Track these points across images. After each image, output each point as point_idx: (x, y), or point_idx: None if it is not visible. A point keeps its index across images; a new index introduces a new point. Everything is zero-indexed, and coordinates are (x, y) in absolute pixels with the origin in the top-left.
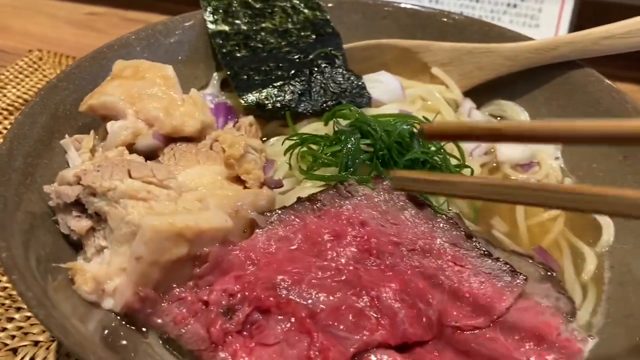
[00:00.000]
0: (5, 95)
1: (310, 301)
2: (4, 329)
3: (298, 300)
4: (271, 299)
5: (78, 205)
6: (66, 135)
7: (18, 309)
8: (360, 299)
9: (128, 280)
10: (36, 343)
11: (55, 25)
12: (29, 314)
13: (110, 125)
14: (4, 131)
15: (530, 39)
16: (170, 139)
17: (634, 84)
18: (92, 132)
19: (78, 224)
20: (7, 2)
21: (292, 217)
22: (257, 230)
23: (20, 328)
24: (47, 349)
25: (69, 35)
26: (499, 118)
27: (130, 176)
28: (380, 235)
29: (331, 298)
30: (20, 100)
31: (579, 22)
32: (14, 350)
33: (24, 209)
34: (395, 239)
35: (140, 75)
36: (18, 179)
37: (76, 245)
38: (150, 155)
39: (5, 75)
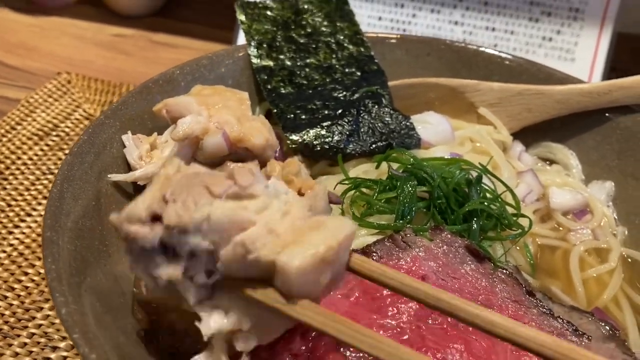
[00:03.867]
0: (34, 120)
1: None
2: None
3: None
4: None
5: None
6: (129, 131)
7: (54, 349)
8: None
9: None
10: None
11: (82, 46)
12: (65, 353)
13: (181, 119)
14: (34, 157)
15: (579, 81)
16: (234, 148)
17: None
18: (155, 133)
19: (168, 271)
20: (35, 22)
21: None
22: None
23: None
24: None
25: (96, 57)
26: (547, 162)
27: (211, 194)
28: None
29: None
30: (50, 125)
31: (617, 56)
32: None
33: (76, 256)
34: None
35: (217, 92)
36: (69, 225)
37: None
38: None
39: (35, 99)
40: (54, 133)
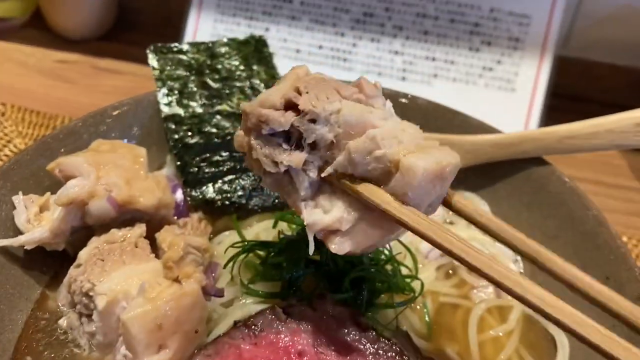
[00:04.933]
0: None
1: None
2: None
3: None
4: None
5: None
6: (20, 192)
7: None
8: None
9: None
10: None
11: (24, 73)
12: None
13: (68, 182)
14: None
15: (493, 130)
16: (123, 210)
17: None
18: (48, 193)
19: (291, 158)
20: None
21: (228, 345)
22: None
23: None
24: None
25: (37, 86)
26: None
27: (340, 94)
28: None
29: None
30: None
31: (560, 79)
32: None
33: None
34: None
35: (114, 149)
36: None
37: None
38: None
39: None
40: None
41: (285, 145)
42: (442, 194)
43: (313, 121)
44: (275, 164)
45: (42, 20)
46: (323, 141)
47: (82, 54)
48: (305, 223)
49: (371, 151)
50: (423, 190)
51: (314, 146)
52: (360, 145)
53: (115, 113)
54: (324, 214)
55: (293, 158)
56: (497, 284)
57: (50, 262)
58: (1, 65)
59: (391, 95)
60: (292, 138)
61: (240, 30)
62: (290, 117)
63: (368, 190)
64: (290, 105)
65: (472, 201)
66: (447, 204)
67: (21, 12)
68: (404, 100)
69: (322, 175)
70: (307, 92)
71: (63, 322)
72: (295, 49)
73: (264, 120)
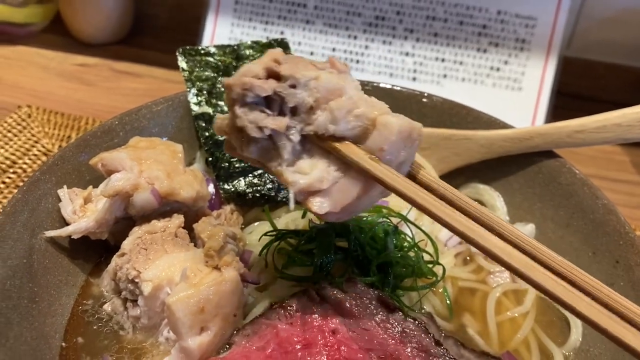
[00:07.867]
0: None
1: None
2: None
3: None
4: None
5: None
6: (64, 186)
7: None
8: None
9: None
10: None
11: (46, 77)
12: None
13: (112, 175)
14: None
15: (504, 125)
16: (165, 201)
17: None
18: (90, 186)
19: (275, 122)
20: (0, 52)
21: (265, 326)
22: (235, 339)
23: None
24: None
25: (58, 89)
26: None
27: (316, 67)
28: (351, 343)
29: None
30: (8, 162)
31: (565, 79)
32: None
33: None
34: (366, 346)
35: (152, 146)
36: None
37: None
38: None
39: None
40: (12, 170)
41: (268, 112)
42: (409, 159)
43: (293, 87)
44: (260, 129)
45: (62, 25)
46: (303, 105)
47: (101, 57)
48: (289, 181)
49: (351, 110)
50: (396, 147)
51: (294, 112)
52: (341, 104)
53: (149, 112)
54: (305, 177)
55: (277, 122)
56: (456, 231)
57: (92, 252)
58: (24, 68)
59: (411, 95)
60: (273, 106)
61: (256, 33)
62: (272, 84)
63: (347, 148)
64: (271, 75)
65: (488, 192)
66: (413, 177)
67: (42, 18)
68: (424, 99)
69: (304, 134)
70: (286, 63)
71: (108, 307)
72: (309, 52)
73: (247, 87)
